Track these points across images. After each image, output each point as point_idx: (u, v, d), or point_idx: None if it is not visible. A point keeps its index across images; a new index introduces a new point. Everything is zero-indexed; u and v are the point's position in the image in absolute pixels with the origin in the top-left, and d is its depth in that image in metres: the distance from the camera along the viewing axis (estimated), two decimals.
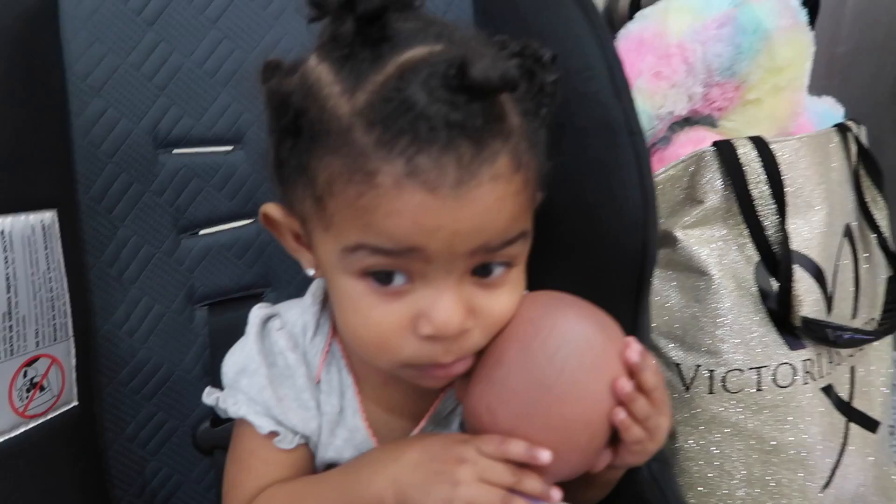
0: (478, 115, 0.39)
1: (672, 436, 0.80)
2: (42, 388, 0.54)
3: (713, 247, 0.76)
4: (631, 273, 0.55)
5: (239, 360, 0.52)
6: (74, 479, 0.58)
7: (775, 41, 0.79)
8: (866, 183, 0.86)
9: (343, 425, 0.51)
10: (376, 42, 0.40)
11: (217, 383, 0.55)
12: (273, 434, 0.50)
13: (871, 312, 0.88)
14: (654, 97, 0.78)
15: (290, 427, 0.50)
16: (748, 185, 0.74)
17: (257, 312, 0.52)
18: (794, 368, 0.78)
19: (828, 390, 0.81)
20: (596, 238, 0.56)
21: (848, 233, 0.85)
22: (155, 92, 0.63)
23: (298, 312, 0.53)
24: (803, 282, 0.77)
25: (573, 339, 0.44)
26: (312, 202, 0.43)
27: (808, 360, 0.78)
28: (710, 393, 0.78)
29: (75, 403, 0.58)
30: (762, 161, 0.74)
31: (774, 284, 0.76)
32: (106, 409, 0.63)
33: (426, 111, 0.38)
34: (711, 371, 0.77)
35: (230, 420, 0.67)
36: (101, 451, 0.63)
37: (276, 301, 0.58)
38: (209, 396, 0.53)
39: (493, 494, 0.42)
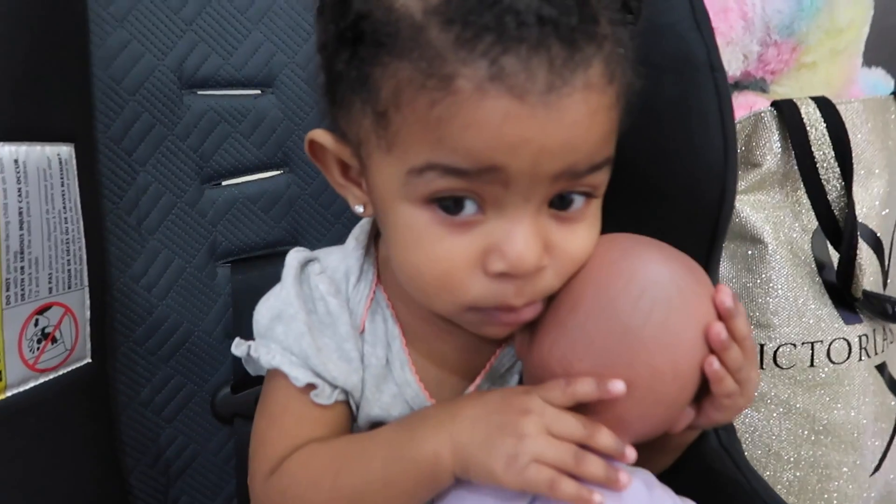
0: (572, 11, 0.34)
1: None
2: (54, 340, 0.49)
3: (768, 214, 0.72)
4: (706, 223, 0.51)
5: (275, 305, 0.46)
6: (87, 442, 0.53)
7: (837, 1, 0.75)
8: None
9: (390, 379, 0.46)
10: None
11: None
12: (310, 387, 0.44)
13: None
14: None
15: (329, 380, 0.44)
16: (811, 147, 0.69)
17: (295, 255, 0.47)
18: (849, 344, 0.73)
19: (881, 368, 0.77)
20: (670, 185, 0.51)
21: None
22: (182, 26, 0.58)
23: (340, 257, 0.47)
24: (862, 253, 0.72)
25: (660, 281, 0.39)
26: (373, 120, 0.38)
27: (864, 335, 0.74)
28: (761, 368, 0.73)
29: (88, 360, 0.53)
30: (826, 122, 0.69)
31: (833, 255, 0.71)
32: (120, 369, 0.58)
33: (515, 4, 0.33)
34: (762, 345, 0.73)
35: (252, 386, 0.62)
36: (113, 416, 0.57)
37: None
38: (238, 347, 0.47)
39: (563, 450, 0.37)
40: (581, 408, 0.38)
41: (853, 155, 0.72)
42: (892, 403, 0.79)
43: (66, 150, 0.50)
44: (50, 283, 0.48)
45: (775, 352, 0.73)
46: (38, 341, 0.47)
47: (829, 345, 0.73)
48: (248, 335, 0.48)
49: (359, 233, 0.48)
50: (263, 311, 0.47)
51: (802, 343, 0.73)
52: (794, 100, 0.70)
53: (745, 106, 0.78)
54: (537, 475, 0.36)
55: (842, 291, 0.71)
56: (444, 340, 0.46)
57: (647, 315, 0.38)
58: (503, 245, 0.37)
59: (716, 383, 0.39)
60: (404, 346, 0.46)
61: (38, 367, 0.47)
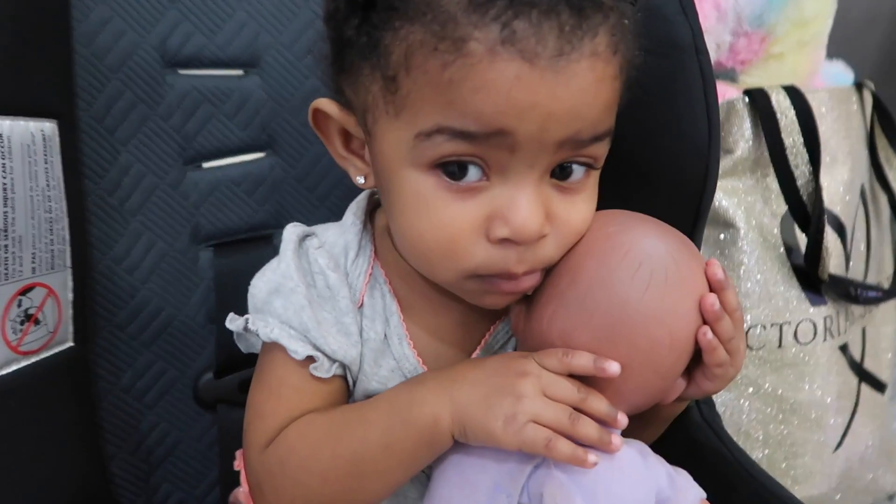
0: None
1: None
2: (37, 322, 0.47)
3: (740, 199, 0.74)
4: (689, 204, 0.52)
5: (272, 279, 0.45)
6: (69, 427, 0.52)
7: None
8: (881, 142, 0.85)
9: (388, 354, 0.46)
10: None
11: (223, 332, 0.49)
12: (309, 360, 0.44)
13: (878, 275, 0.88)
14: None
15: (328, 353, 0.44)
16: (781, 134, 0.72)
17: (293, 230, 0.46)
18: (814, 325, 0.76)
19: (844, 349, 0.80)
20: (655, 165, 0.52)
21: (862, 193, 0.84)
22: (165, 3, 0.57)
23: (338, 233, 0.47)
24: (828, 237, 0.75)
25: (657, 254, 0.40)
26: (382, 85, 0.38)
27: (829, 316, 0.77)
28: None
29: (71, 344, 0.52)
30: (796, 110, 0.72)
31: (801, 239, 0.74)
32: (100, 354, 0.56)
33: None
34: None
35: (236, 371, 0.62)
36: (94, 402, 0.56)
37: None
38: (233, 322, 0.46)
39: (559, 410, 0.38)
40: (580, 375, 0.39)
41: (821, 142, 0.75)
42: (853, 382, 0.82)
43: (49, 127, 0.48)
44: (33, 262, 0.46)
45: (746, 333, 0.75)
46: (22, 322, 0.46)
47: (797, 326, 0.76)
48: None
49: (356, 209, 0.48)
50: (260, 286, 0.46)
51: (772, 324, 0.75)
52: (766, 88, 0.73)
53: (718, 94, 0.80)
54: (535, 435, 0.37)
55: (809, 274, 0.74)
56: (442, 315, 0.47)
57: (645, 287, 0.39)
58: (507, 211, 0.38)
59: (709, 353, 0.40)
60: (402, 321, 0.46)
61: (22, 349, 0.46)
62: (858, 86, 0.84)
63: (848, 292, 0.75)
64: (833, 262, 0.76)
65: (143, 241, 0.58)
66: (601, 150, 0.40)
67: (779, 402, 0.77)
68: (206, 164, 0.61)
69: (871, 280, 0.86)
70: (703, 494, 0.43)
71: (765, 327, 0.75)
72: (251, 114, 0.61)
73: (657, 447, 0.51)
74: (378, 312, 0.46)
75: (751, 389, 0.77)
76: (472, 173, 0.38)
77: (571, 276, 0.41)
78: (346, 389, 0.46)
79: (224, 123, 0.60)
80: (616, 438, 0.39)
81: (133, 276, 0.57)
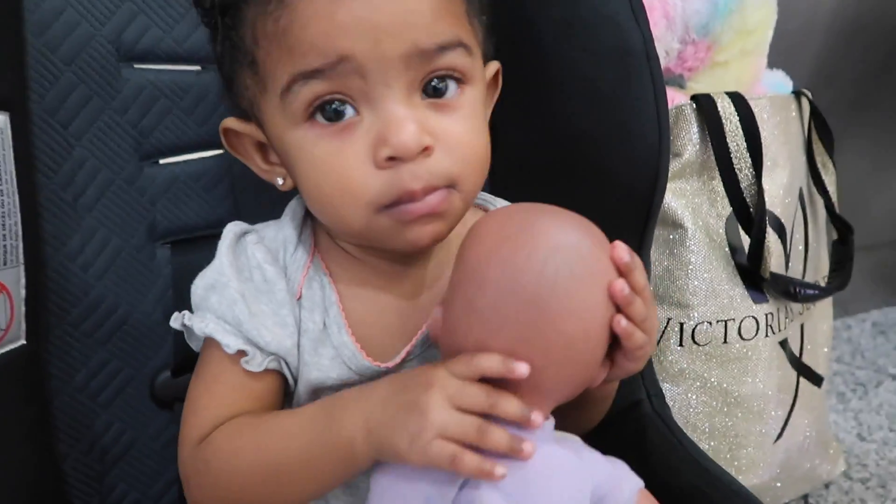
0: None
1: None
2: None
3: (688, 200, 0.77)
4: (641, 202, 0.54)
5: (209, 275, 0.47)
6: (21, 428, 0.51)
7: (747, 4, 0.81)
8: (818, 148, 0.90)
9: (328, 343, 0.47)
10: None
11: (180, 334, 0.49)
12: (241, 353, 0.45)
13: (815, 274, 0.93)
14: None
15: (262, 345, 0.45)
16: (726, 139, 0.75)
17: (232, 227, 0.49)
18: (757, 322, 0.80)
19: (784, 344, 0.84)
20: (607, 168, 0.55)
21: (800, 195, 0.88)
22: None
23: (277, 228, 0.49)
24: (770, 237, 0.79)
25: (560, 248, 0.40)
26: (250, 73, 0.43)
27: (770, 313, 0.81)
28: (680, 346, 0.78)
29: (23, 342, 0.51)
30: (740, 116, 0.75)
31: (744, 239, 0.78)
32: (53, 352, 0.55)
33: None
34: (682, 323, 0.78)
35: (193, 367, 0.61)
36: (46, 401, 0.55)
37: None
38: (175, 320, 0.47)
39: (467, 423, 0.37)
40: (500, 378, 0.39)
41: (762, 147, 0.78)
42: (792, 376, 0.86)
43: (1, 119, 0.47)
44: None
45: (693, 330, 0.78)
46: None
47: (741, 322, 0.79)
48: None
49: (294, 205, 0.51)
50: (199, 283, 0.48)
51: (717, 321, 0.78)
52: (712, 94, 0.76)
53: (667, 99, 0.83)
54: (440, 451, 0.37)
55: (752, 273, 0.77)
56: (381, 302, 0.48)
57: (552, 285, 0.39)
58: (384, 132, 0.41)
59: (626, 338, 0.41)
60: (341, 311, 0.47)
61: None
62: (797, 94, 0.88)
63: (788, 290, 0.79)
64: (774, 261, 0.80)
65: (97, 237, 0.57)
66: (459, 60, 0.42)
67: (724, 395, 0.80)
68: (162, 160, 0.60)
69: (808, 278, 0.90)
70: (641, 484, 0.44)
71: (710, 324, 0.78)
72: (210, 110, 0.61)
73: (610, 438, 0.53)
74: (317, 303, 0.47)
75: (698, 384, 0.80)
76: (347, 112, 0.41)
77: (478, 283, 0.40)
78: (280, 387, 0.47)
79: (182, 119, 0.60)
80: (527, 445, 0.38)
81: (87, 273, 0.56)
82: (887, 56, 1.18)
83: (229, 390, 0.46)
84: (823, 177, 0.90)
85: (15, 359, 0.50)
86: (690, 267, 0.77)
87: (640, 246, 0.56)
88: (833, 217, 0.91)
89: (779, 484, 0.86)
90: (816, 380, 0.90)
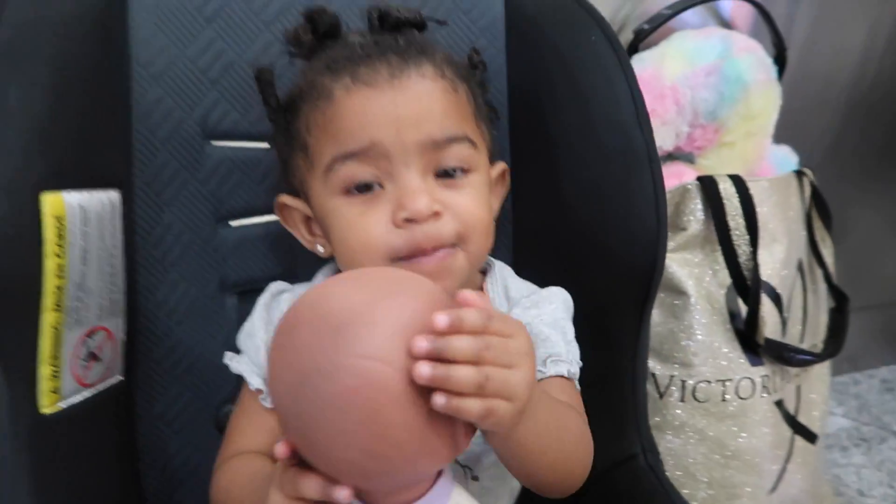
0: (400, 41, 0.54)
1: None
2: (98, 359, 0.57)
3: (692, 270, 0.85)
4: (641, 284, 0.63)
5: (246, 326, 0.60)
6: (114, 448, 0.61)
7: (752, 92, 0.90)
8: (817, 224, 0.97)
9: None
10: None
11: None
12: (259, 391, 0.56)
13: (814, 338, 1.00)
14: None
15: None
16: (726, 217, 0.83)
17: (271, 287, 0.61)
18: (753, 383, 0.87)
19: (779, 404, 0.91)
20: (612, 252, 0.63)
21: (800, 266, 0.96)
22: (207, 85, 0.67)
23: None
24: (765, 306, 0.87)
25: (316, 368, 0.34)
26: (302, 156, 0.55)
27: (766, 375, 0.88)
28: (682, 401, 0.86)
29: (120, 377, 0.61)
30: (739, 197, 0.83)
31: (742, 307, 0.86)
32: (139, 385, 0.65)
33: (361, 43, 0.54)
34: (684, 381, 0.86)
35: None
36: (132, 426, 0.65)
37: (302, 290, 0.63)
38: (227, 358, 0.60)
39: None
40: None
41: (760, 224, 0.87)
42: (787, 434, 0.93)
43: (115, 195, 0.58)
44: (98, 310, 0.56)
45: (694, 388, 0.86)
46: (86, 360, 0.55)
47: (738, 383, 0.87)
48: None
49: (326, 269, 0.63)
50: (241, 332, 0.61)
51: (716, 380, 0.86)
52: (715, 176, 0.84)
53: (676, 174, 0.92)
54: None
55: (748, 338, 0.85)
56: None
57: (321, 406, 0.34)
58: (401, 199, 0.51)
59: (458, 414, 0.35)
60: None
61: (86, 382, 0.55)
62: (798, 173, 0.96)
63: (781, 355, 0.87)
64: (770, 328, 0.87)
65: (179, 288, 0.67)
66: (465, 152, 0.54)
67: (721, 448, 0.88)
68: (233, 223, 0.70)
69: (806, 342, 0.98)
70: None
71: (710, 382, 0.86)
72: (275, 181, 0.71)
73: (605, 490, 0.61)
74: None
75: (697, 436, 0.87)
76: (372, 186, 0.52)
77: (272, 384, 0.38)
78: None
79: (252, 188, 0.70)
80: None
81: (171, 319, 0.66)
82: (891, 129, 1.26)
83: (249, 422, 0.57)
84: (822, 250, 0.98)
85: (113, 391, 0.60)
86: (692, 330, 0.85)
87: (641, 318, 0.64)
88: (831, 287, 0.99)
89: None
90: (811, 437, 0.97)
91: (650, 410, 0.87)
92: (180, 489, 0.68)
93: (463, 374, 0.34)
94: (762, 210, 0.86)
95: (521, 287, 0.61)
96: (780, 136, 1.06)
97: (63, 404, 0.53)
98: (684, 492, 0.87)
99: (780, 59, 0.98)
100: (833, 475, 1.26)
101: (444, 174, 0.53)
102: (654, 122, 0.87)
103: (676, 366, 0.86)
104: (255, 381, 0.57)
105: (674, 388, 0.86)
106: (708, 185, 0.84)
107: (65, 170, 0.51)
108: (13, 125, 0.48)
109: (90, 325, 0.55)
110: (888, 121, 1.24)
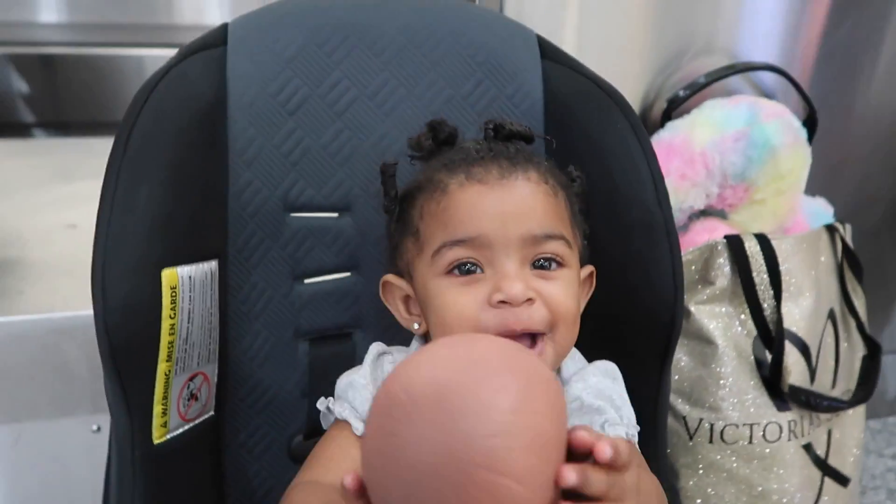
0: (511, 148, 0.63)
1: (676, 476, 0.95)
2: (196, 398, 0.69)
3: (719, 321, 0.92)
4: (661, 340, 0.71)
5: (352, 377, 0.67)
6: (207, 473, 0.73)
7: (780, 154, 0.97)
8: (848, 275, 1.02)
9: None
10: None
11: (312, 406, 0.71)
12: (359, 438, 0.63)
13: (847, 384, 1.04)
14: (678, 193, 0.95)
15: None
16: (752, 273, 0.90)
17: (376, 347, 0.69)
18: (780, 427, 0.93)
19: (808, 448, 0.96)
20: (633, 313, 0.71)
21: (832, 316, 1.01)
22: (289, 168, 0.79)
23: (406, 353, 0.68)
24: (792, 355, 0.93)
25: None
26: (412, 241, 0.62)
27: (793, 420, 0.94)
28: (710, 442, 0.93)
29: (213, 413, 0.73)
30: (764, 255, 0.90)
31: (768, 356, 0.92)
32: (226, 419, 0.78)
33: (476, 148, 0.63)
34: (712, 424, 0.93)
35: (321, 435, 0.82)
36: (220, 454, 0.77)
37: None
38: (321, 404, 0.68)
39: None
40: None
41: (787, 278, 0.93)
42: (816, 476, 0.98)
43: (214, 265, 0.71)
44: (199, 358, 0.68)
45: (722, 430, 0.92)
46: (188, 399, 0.68)
47: (765, 427, 0.93)
48: (321, 394, 0.70)
49: (420, 340, 0.70)
50: (343, 380, 0.68)
51: (743, 424, 0.92)
52: (741, 235, 0.91)
53: (709, 229, 1.00)
54: None
55: (774, 384, 0.91)
56: None
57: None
58: (500, 283, 0.57)
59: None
60: None
61: (187, 417, 0.67)
62: (829, 228, 1.01)
63: (808, 401, 0.92)
64: (797, 375, 0.93)
65: (260, 337, 0.79)
66: (560, 248, 0.60)
67: (749, 487, 0.94)
68: (307, 280, 0.82)
69: (839, 388, 1.02)
70: None
71: (737, 426, 0.92)
72: (343, 244, 0.82)
73: None
74: None
75: (726, 475, 0.94)
76: (475, 271, 0.59)
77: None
78: None
79: (323, 251, 0.81)
80: None
81: (253, 363, 0.78)
82: None
83: (337, 447, 0.64)
84: (854, 300, 1.02)
85: (207, 425, 0.72)
86: (720, 377, 0.92)
87: (662, 371, 0.73)
88: (863, 335, 1.03)
89: None
90: (843, 481, 1.01)
91: (680, 451, 0.95)
92: None
93: (595, 483, 0.37)
94: (788, 266, 0.93)
95: (569, 365, 0.66)
96: (814, 189, 1.12)
97: (169, 436, 0.65)
98: None
99: (809, 121, 1.04)
100: None
101: (540, 266, 0.59)
102: (685, 185, 0.96)
103: (706, 410, 0.93)
104: (360, 425, 0.62)
105: (703, 430, 0.93)
106: (734, 244, 0.91)
107: (179, 249, 0.64)
108: (141, 218, 0.61)
109: (192, 371, 0.67)
110: None
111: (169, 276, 0.62)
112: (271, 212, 0.79)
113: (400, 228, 0.66)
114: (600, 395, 0.60)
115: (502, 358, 0.37)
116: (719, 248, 0.91)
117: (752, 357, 0.92)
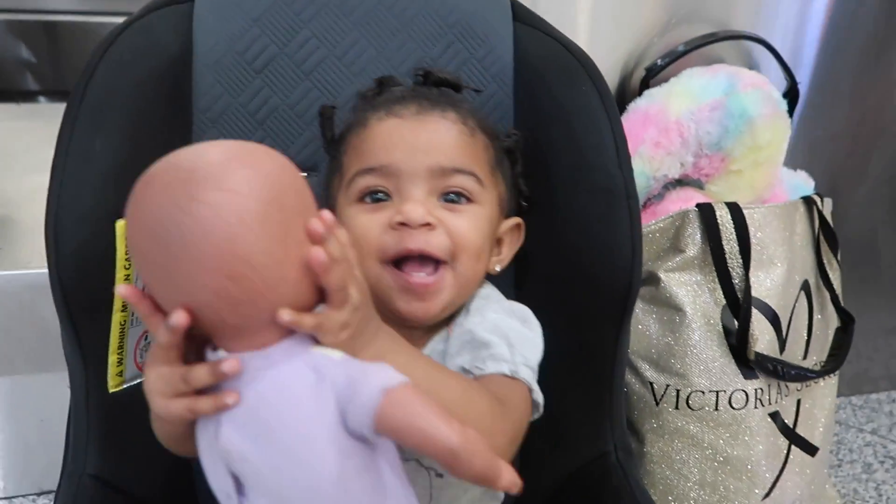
0: (434, 92, 0.65)
1: (641, 441, 0.96)
2: None
3: (689, 289, 0.92)
4: (618, 301, 0.71)
5: None
6: None
7: (757, 125, 0.96)
8: (824, 248, 1.02)
9: None
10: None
11: None
12: None
13: (820, 356, 1.04)
14: (653, 162, 0.95)
15: None
16: (722, 242, 0.90)
17: None
18: (746, 394, 0.94)
19: (774, 416, 0.97)
20: (592, 275, 0.72)
21: (806, 287, 1.01)
22: (255, 126, 0.79)
23: None
24: (760, 324, 0.93)
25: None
26: (337, 176, 0.64)
27: (759, 388, 0.94)
28: (676, 408, 0.94)
29: None
30: (735, 223, 0.90)
31: (736, 324, 0.92)
32: None
33: (402, 92, 0.65)
34: (678, 390, 0.93)
35: None
36: None
37: None
38: None
39: (170, 376, 0.45)
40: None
41: (758, 248, 0.93)
42: (783, 444, 0.99)
43: None
44: None
45: (688, 397, 0.93)
46: (145, 350, 0.69)
47: (731, 394, 0.93)
48: None
49: None
50: None
51: (709, 391, 0.93)
52: (713, 203, 0.91)
53: (685, 198, 0.99)
54: (176, 408, 0.45)
55: (740, 352, 0.91)
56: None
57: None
58: (400, 207, 0.58)
59: (325, 272, 0.42)
60: None
61: (144, 368, 0.68)
62: (808, 200, 1.01)
63: (774, 369, 0.93)
64: (766, 345, 0.93)
65: None
66: (468, 183, 0.61)
67: (714, 454, 0.94)
68: None
69: (811, 360, 1.03)
70: (391, 382, 0.40)
71: (703, 393, 0.93)
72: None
73: (578, 484, 0.70)
74: None
75: (691, 441, 0.95)
76: (382, 198, 0.60)
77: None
78: None
79: None
80: (226, 364, 0.40)
81: None
82: None
83: None
84: (829, 273, 1.02)
85: None
86: (688, 344, 0.93)
87: (619, 332, 0.73)
88: (837, 308, 1.03)
89: None
90: (810, 450, 1.02)
91: (646, 417, 0.96)
92: None
93: (336, 273, 0.43)
94: (760, 235, 0.92)
95: (478, 302, 0.64)
96: (797, 162, 1.11)
97: (126, 385, 0.66)
98: (677, 491, 0.95)
99: (791, 93, 1.03)
100: (851, 489, 1.29)
101: (449, 200, 0.60)
102: (660, 153, 0.95)
103: (673, 376, 0.93)
104: None
105: (669, 396, 0.94)
106: (706, 212, 0.90)
107: None
108: (96, 167, 0.61)
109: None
110: None
111: (123, 227, 0.62)
112: None
113: (331, 167, 0.68)
114: (496, 330, 0.58)
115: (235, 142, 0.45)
116: (691, 216, 0.91)
117: (721, 325, 0.92)
